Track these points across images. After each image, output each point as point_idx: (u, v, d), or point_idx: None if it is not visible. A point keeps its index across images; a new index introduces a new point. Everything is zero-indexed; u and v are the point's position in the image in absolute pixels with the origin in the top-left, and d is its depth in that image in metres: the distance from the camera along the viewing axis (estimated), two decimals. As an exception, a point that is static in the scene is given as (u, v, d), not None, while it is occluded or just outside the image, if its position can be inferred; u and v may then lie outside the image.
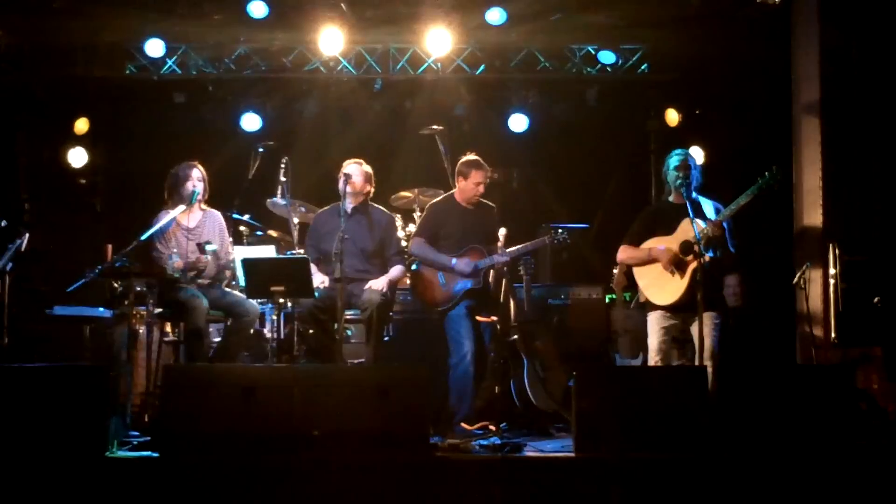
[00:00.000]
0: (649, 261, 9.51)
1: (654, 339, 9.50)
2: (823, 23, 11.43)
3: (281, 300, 9.81)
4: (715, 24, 12.54)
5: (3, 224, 10.53)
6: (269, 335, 10.21)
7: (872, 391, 9.95)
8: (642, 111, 14.15)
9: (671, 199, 9.67)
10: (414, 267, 10.83)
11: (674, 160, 9.58)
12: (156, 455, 8.13)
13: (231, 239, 10.72)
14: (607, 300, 11.90)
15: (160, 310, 10.01)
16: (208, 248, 9.94)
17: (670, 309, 9.37)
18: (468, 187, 10.54)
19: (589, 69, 13.84)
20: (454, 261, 10.39)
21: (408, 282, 11.06)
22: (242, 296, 10.14)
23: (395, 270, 10.52)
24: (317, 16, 12.85)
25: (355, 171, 10.48)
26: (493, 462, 8.44)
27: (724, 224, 9.19)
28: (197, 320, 9.82)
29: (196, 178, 10.23)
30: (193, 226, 10.27)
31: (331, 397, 8.15)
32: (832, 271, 10.39)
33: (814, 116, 11.43)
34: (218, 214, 10.51)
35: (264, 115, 13.80)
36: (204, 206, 10.40)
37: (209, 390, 8.16)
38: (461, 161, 10.67)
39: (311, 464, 7.92)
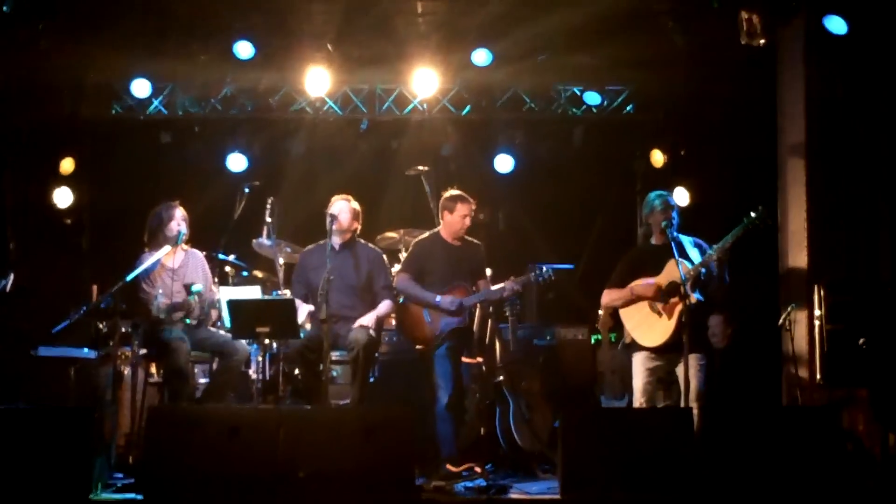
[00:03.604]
0: (634, 300, 9.51)
1: (639, 381, 9.49)
2: (808, 64, 11.45)
3: (266, 341, 9.79)
4: (700, 66, 12.58)
5: (-13, 264, 10.55)
6: (254, 376, 10.20)
7: (858, 432, 9.96)
8: (628, 152, 14.17)
9: (653, 240, 9.69)
10: (401, 301, 10.78)
11: (657, 202, 9.59)
12: (140, 497, 8.12)
13: (216, 279, 10.72)
14: (593, 341, 11.91)
15: (145, 350, 10.00)
16: (194, 288, 9.92)
17: (656, 350, 9.36)
18: (454, 221, 10.52)
19: (574, 110, 13.89)
20: (439, 298, 10.36)
21: (393, 322, 11.04)
22: (229, 336, 10.10)
23: (384, 306, 10.49)
24: (303, 56, 12.88)
25: (342, 208, 10.47)
26: (478, 503, 8.44)
27: (712, 264, 9.22)
28: (178, 361, 9.79)
29: (180, 218, 10.25)
30: (177, 266, 10.24)
31: (316, 438, 8.19)
32: (818, 312, 10.39)
33: (799, 157, 11.44)
34: (199, 254, 10.50)
35: (250, 155, 13.79)
36: (185, 247, 10.39)
37: (194, 431, 8.18)
38: (445, 196, 10.65)
39: (296, 504, 7.92)
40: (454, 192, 10.67)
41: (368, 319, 10.26)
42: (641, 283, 9.43)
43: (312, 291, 10.31)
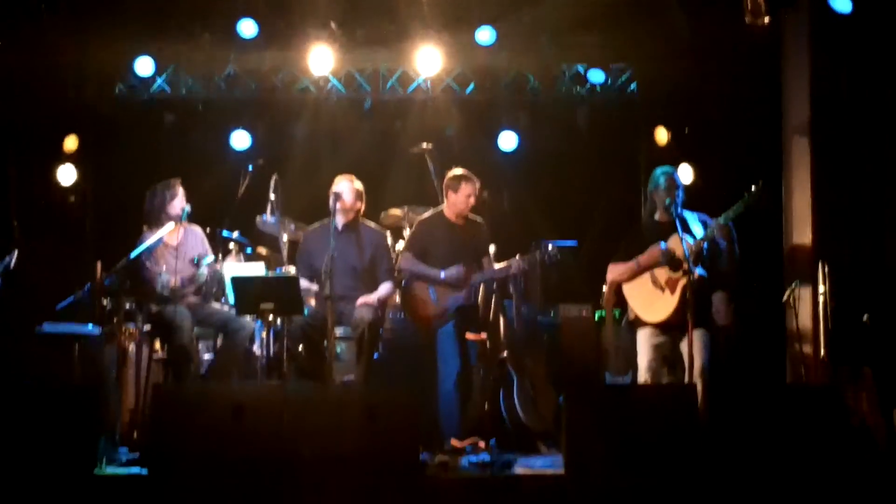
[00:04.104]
0: (640, 271, 9.50)
1: (643, 357, 9.49)
2: (813, 44, 11.47)
3: (270, 318, 9.78)
4: (704, 44, 12.55)
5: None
6: (258, 353, 10.19)
7: (862, 410, 9.95)
8: (632, 130, 14.14)
9: (657, 217, 9.68)
10: (404, 284, 10.79)
11: (662, 179, 9.58)
12: (145, 472, 8.12)
13: (220, 256, 10.71)
14: (597, 318, 11.90)
15: (149, 327, 10.00)
16: (204, 261, 9.96)
17: (660, 327, 9.37)
18: (458, 201, 10.52)
19: (578, 88, 13.86)
20: (443, 273, 10.38)
21: (398, 299, 11.04)
22: (234, 313, 10.09)
23: (385, 288, 10.48)
24: (307, 35, 12.88)
25: (346, 188, 10.45)
26: (482, 480, 8.45)
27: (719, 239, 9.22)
28: (182, 338, 9.80)
29: (182, 195, 10.23)
30: (178, 243, 10.25)
31: (320, 417, 8.17)
32: (822, 289, 10.39)
33: (804, 136, 11.46)
34: (198, 229, 10.50)
35: (254, 134, 13.79)
36: (184, 223, 10.37)
37: (198, 409, 8.18)
38: (449, 175, 10.65)
39: (300, 483, 7.91)
40: (458, 171, 10.66)
41: (371, 297, 10.26)
42: (645, 255, 9.43)
43: (316, 274, 10.31)
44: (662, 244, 9.39)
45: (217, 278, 10.22)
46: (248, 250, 11.57)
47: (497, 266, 10.60)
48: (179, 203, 10.17)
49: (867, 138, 11.45)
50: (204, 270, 9.99)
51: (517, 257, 10.51)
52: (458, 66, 13.65)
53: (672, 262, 9.26)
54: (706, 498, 7.99)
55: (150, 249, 10.05)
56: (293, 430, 8.07)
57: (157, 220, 10.17)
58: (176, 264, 10.02)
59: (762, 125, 12.24)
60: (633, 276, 9.54)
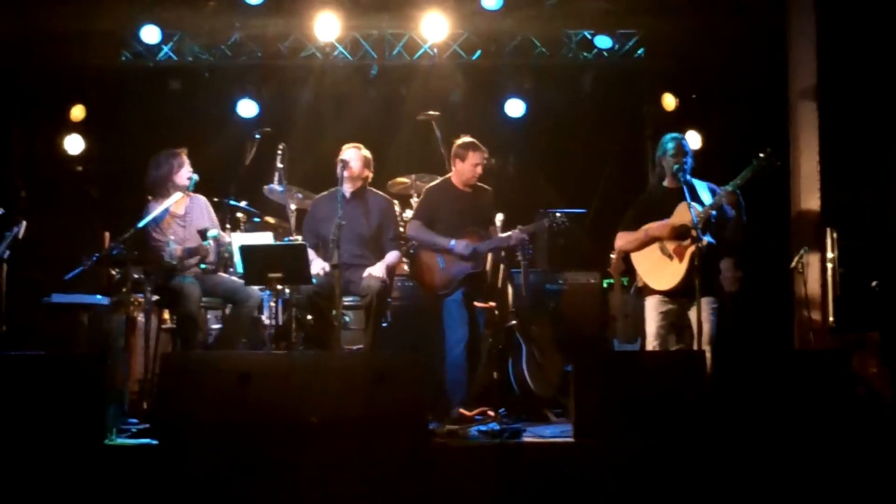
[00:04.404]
0: (648, 241, 9.48)
1: (651, 325, 9.47)
2: (819, 7, 11.42)
3: (279, 287, 9.78)
4: (711, 9, 12.52)
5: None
6: (266, 322, 10.20)
7: (869, 376, 9.95)
8: (638, 96, 14.11)
9: (665, 183, 9.64)
10: (411, 251, 10.79)
11: (670, 145, 9.54)
12: (154, 442, 8.13)
13: (228, 226, 10.70)
14: (605, 285, 11.91)
15: (157, 297, 10.01)
16: (210, 234, 9.92)
17: (668, 294, 9.35)
18: (466, 169, 10.50)
19: (585, 54, 13.83)
20: (453, 242, 10.35)
21: (406, 267, 11.04)
22: (241, 282, 10.09)
23: (392, 256, 10.47)
24: (312, 1, 12.85)
25: (353, 156, 10.43)
26: (491, 448, 8.44)
27: (726, 207, 9.20)
28: (190, 307, 9.78)
29: (188, 165, 10.20)
30: (183, 213, 10.23)
31: (328, 384, 8.14)
32: (830, 255, 10.39)
33: (810, 101, 11.42)
34: (202, 198, 10.46)
35: (260, 101, 13.77)
36: (188, 192, 10.36)
37: (206, 377, 8.17)
38: (457, 144, 10.62)
39: (308, 450, 7.92)
40: (466, 139, 10.63)
41: (378, 270, 10.23)
42: (655, 225, 9.41)
43: (323, 242, 10.29)
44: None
45: (220, 249, 10.20)
46: (256, 219, 11.58)
47: (500, 235, 10.59)
48: (186, 172, 10.13)
49: (874, 103, 11.41)
50: (209, 244, 9.96)
51: (517, 228, 10.50)
52: (464, 32, 13.61)
53: (681, 231, 9.24)
54: (715, 464, 7.98)
55: (156, 219, 10.03)
56: (301, 397, 8.07)
57: (162, 189, 10.13)
58: (184, 235, 10.01)
59: (769, 90, 12.21)
60: (642, 245, 9.52)
